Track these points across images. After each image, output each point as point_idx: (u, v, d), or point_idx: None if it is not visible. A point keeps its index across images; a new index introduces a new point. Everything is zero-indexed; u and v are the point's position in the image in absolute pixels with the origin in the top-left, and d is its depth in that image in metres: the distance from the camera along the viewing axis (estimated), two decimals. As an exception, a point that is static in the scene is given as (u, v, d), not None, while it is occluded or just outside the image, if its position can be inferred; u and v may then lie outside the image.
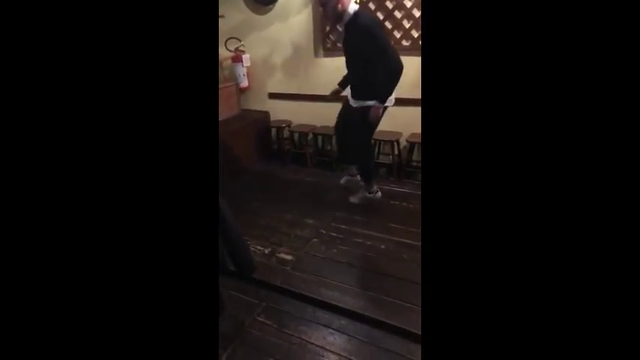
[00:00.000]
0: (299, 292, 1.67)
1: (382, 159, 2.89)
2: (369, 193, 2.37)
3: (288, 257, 1.94)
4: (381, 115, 2.09)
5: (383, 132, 2.58)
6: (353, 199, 2.41)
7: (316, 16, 2.80)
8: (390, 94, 2.00)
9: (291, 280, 1.75)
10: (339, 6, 1.89)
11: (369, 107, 2.02)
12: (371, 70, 1.96)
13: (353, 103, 2.12)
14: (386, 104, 2.03)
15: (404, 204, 2.42)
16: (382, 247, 1.98)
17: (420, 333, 1.38)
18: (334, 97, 2.35)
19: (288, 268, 1.85)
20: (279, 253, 1.97)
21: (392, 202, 2.44)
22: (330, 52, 2.85)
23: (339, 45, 2.77)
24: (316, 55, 2.92)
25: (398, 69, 1.89)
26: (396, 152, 2.72)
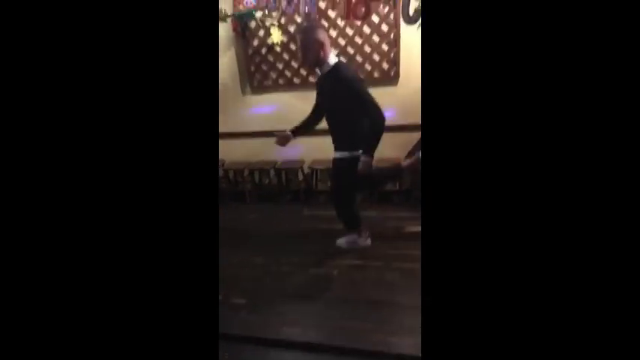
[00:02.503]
0: (259, 337, 1.59)
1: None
2: (360, 236, 2.24)
3: (242, 301, 1.84)
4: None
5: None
6: (340, 242, 2.25)
7: (240, 57, 2.87)
8: (376, 146, 1.87)
9: (249, 326, 1.67)
10: (321, 53, 1.75)
11: (356, 158, 1.87)
12: (354, 122, 1.85)
13: (336, 154, 1.97)
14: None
15: (340, 227, 2.49)
16: (334, 272, 2.02)
17: (384, 350, 1.42)
18: (283, 143, 2.11)
19: (244, 313, 1.76)
20: (232, 299, 1.87)
21: (324, 226, 2.48)
22: (257, 89, 2.92)
23: (266, 83, 2.87)
24: (244, 93, 2.97)
25: (381, 122, 1.78)
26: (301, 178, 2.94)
